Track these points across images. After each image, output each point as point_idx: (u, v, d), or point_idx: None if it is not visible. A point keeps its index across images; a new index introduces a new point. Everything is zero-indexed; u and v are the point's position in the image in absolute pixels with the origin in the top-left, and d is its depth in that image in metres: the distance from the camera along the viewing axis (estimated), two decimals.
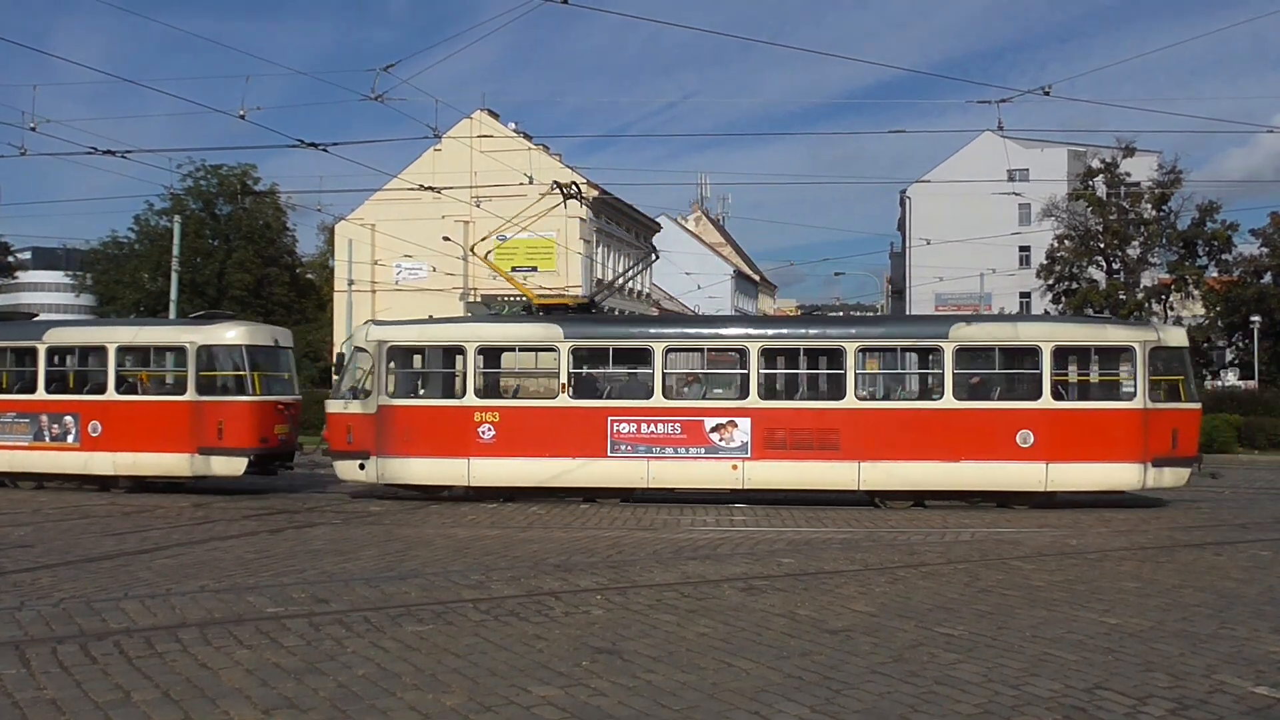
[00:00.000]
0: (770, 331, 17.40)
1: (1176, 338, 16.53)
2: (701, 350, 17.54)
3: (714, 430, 16.05)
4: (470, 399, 16.44)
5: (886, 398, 17.32)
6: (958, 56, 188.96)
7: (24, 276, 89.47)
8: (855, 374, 16.02)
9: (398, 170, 45.81)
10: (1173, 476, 15.80)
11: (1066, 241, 53.71)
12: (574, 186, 19.33)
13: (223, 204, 59.58)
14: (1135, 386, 15.71)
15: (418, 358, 17.24)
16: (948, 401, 15.80)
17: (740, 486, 16.09)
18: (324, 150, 21.80)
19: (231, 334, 17.67)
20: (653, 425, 16.12)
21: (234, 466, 17.22)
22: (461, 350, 16.60)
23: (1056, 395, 15.83)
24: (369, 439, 16.48)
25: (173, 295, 37.74)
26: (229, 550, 11.25)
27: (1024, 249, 63.65)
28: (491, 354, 17.11)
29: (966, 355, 16.15)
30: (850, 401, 15.94)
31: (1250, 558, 11.10)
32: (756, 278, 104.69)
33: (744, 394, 16.20)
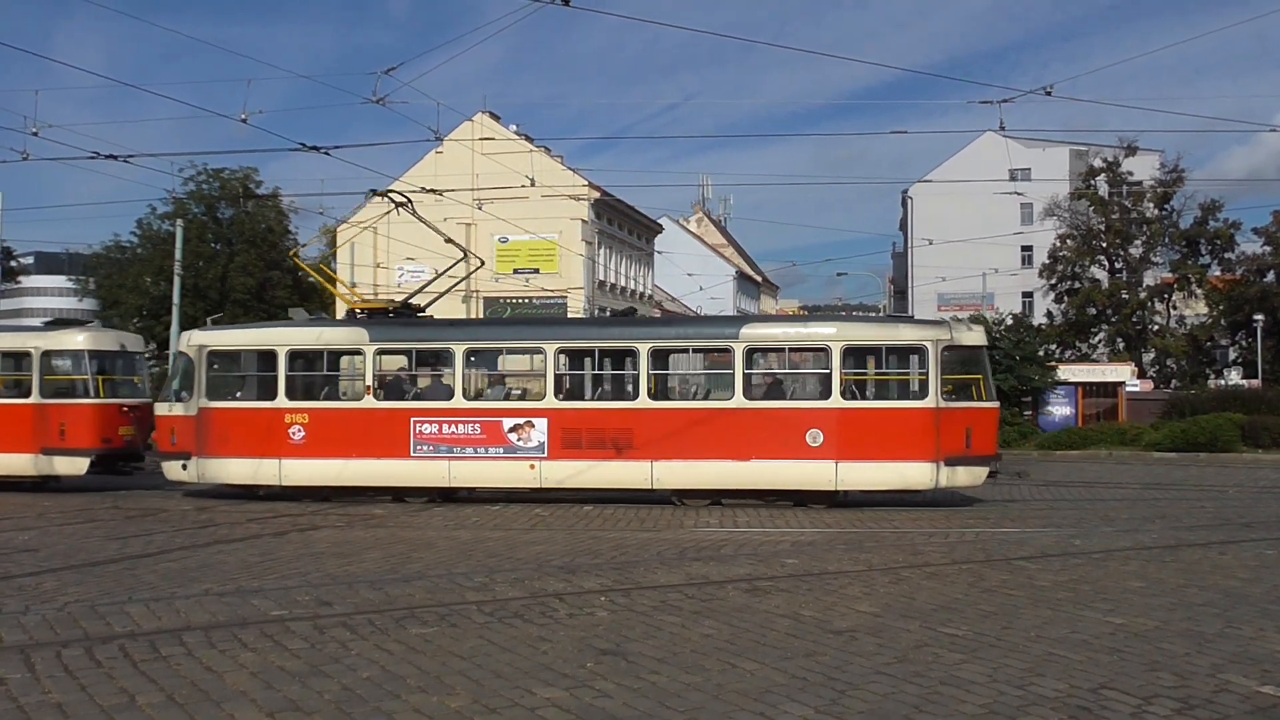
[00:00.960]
0: (566, 333, 17.88)
1: (972, 337, 16.51)
2: (500, 352, 17.89)
3: (512, 431, 16.34)
4: (281, 401, 16.83)
5: (679, 398, 17.31)
6: (959, 56, 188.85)
7: (26, 281, 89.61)
8: (647, 375, 16.18)
9: (399, 173, 45.83)
10: (967, 476, 15.78)
11: (1069, 241, 53.71)
12: (398, 195, 20.18)
13: (225, 207, 59.60)
14: (927, 385, 15.66)
15: (234, 362, 17.72)
16: (739, 401, 15.92)
17: (538, 486, 16.36)
18: (326, 153, 21.83)
19: (77, 339, 18.56)
20: (453, 426, 16.44)
21: (76, 466, 18.00)
22: (273, 354, 17.00)
23: (847, 394, 15.92)
24: (190, 440, 17.04)
25: (175, 299, 37.80)
26: (233, 554, 11.26)
27: (1026, 249, 63.59)
28: (302, 357, 17.40)
29: (757, 355, 16.37)
30: (643, 402, 16.13)
31: (1255, 556, 11.08)
32: (759, 279, 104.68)
33: (541, 395, 16.53)
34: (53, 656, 6.59)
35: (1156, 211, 52.58)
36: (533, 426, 16.26)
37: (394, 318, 18.28)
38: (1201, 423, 29.74)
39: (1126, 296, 51.38)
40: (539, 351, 16.72)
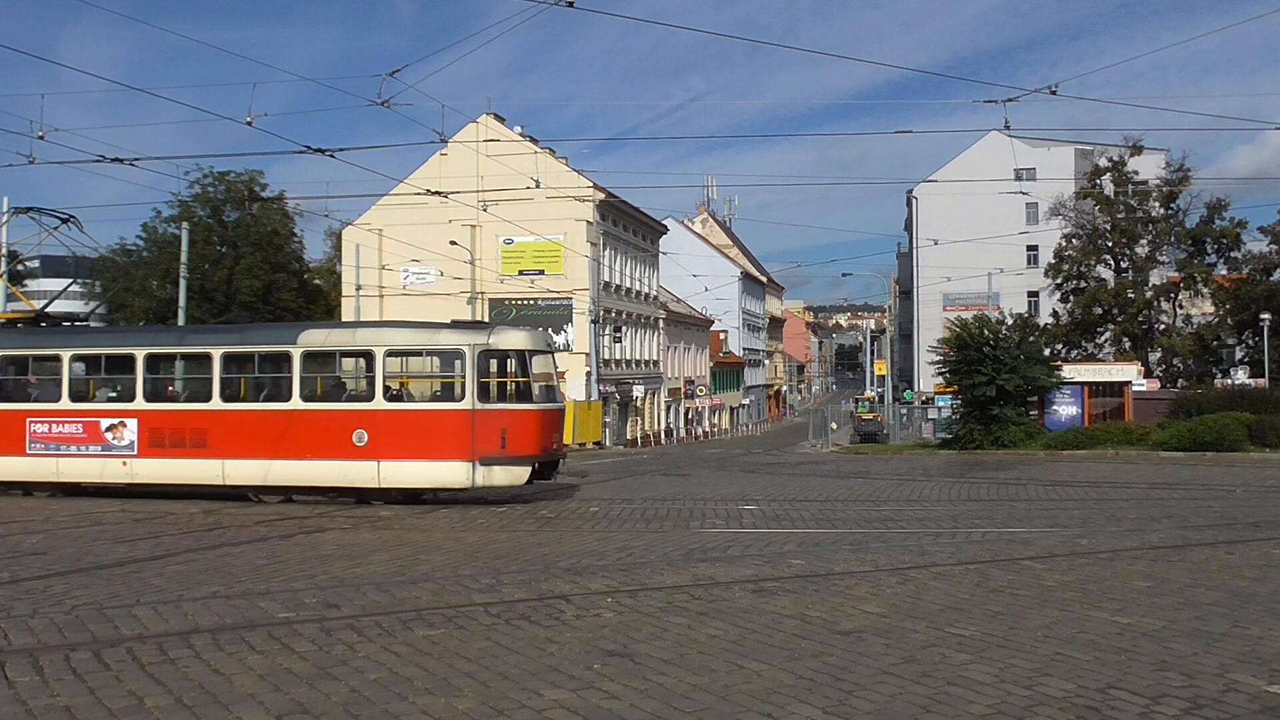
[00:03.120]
0: (155, 339, 19.06)
1: (510, 341, 17.01)
2: (100, 357, 18.83)
3: (109, 430, 17.54)
4: None
5: (248, 400, 17.81)
6: (967, 55, 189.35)
7: (33, 284, 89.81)
8: (220, 378, 17.29)
9: (404, 175, 45.98)
10: (505, 475, 16.34)
11: (1074, 240, 53.63)
12: (57, 214, 21.15)
13: (230, 210, 59.77)
14: (464, 388, 16.29)
15: None
16: (296, 403, 16.90)
17: (131, 481, 17.57)
18: (331, 156, 21.95)
19: None
20: (61, 426, 17.71)
21: None
22: None
23: (390, 397, 16.78)
24: None
25: (181, 302, 37.90)
26: (240, 556, 11.28)
27: (1031, 248, 63.55)
28: None
29: (313, 360, 17.24)
30: (216, 404, 17.27)
31: (1263, 556, 11.05)
32: (764, 279, 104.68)
33: (132, 397, 17.53)
34: (61, 660, 6.61)
35: (1162, 210, 52.48)
36: (125, 426, 17.58)
37: (17, 326, 19.66)
38: (1208, 422, 29.68)
39: (1132, 296, 51.29)
40: (131, 357, 17.72)
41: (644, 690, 5.92)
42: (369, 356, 16.78)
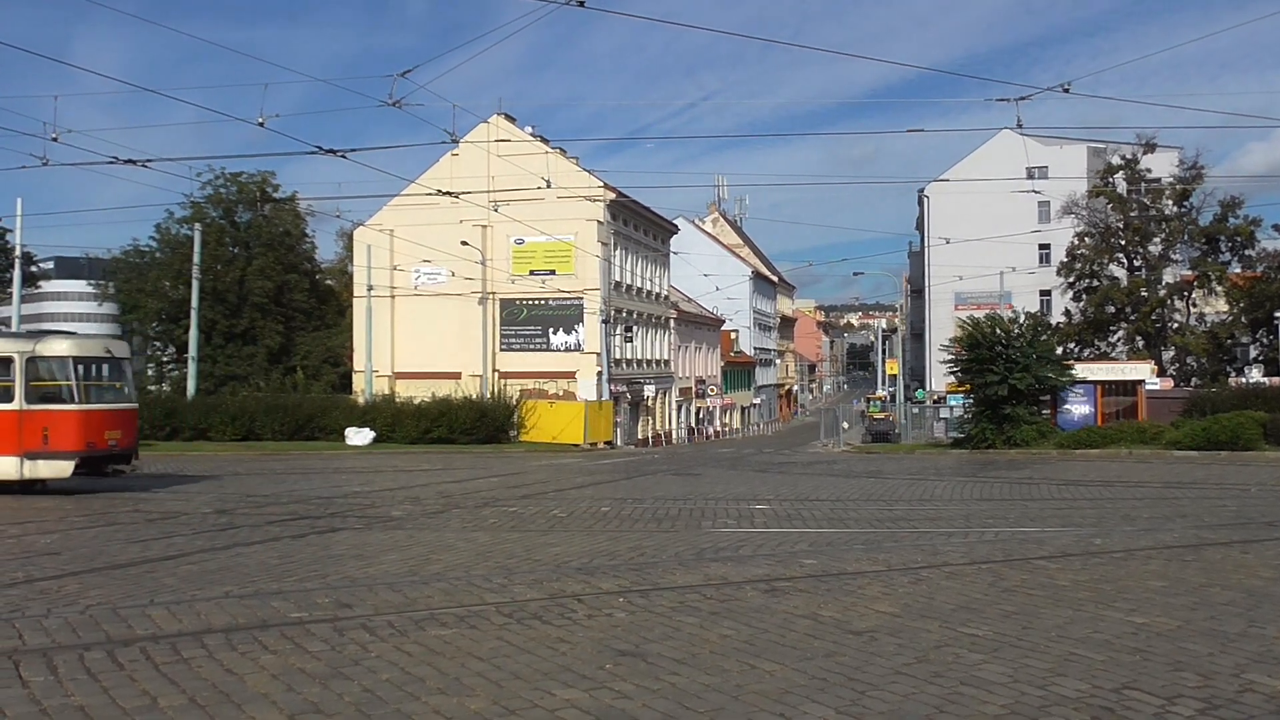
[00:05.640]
0: None
1: (56, 349, 18.83)
2: None
3: None
4: None
5: None
6: (980, 53, 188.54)
7: (47, 286, 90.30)
8: None
9: (415, 176, 46.00)
10: (49, 469, 18.48)
11: (1087, 239, 53.48)
12: None
13: (243, 211, 60.00)
14: (13, 391, 18.29)
15: None
16: None
17: None
18: (342, 156, 22.04)
19: None
20: None
21: None
22: None
23: None
24: None
25: (194, 303, 38.11)
26: (253, 556, 11.31)
27: (1044, 247, 63.35)
28: None
29: None
30: None
31: (1278, 555, 10.99)
32: (775, 279, 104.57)
33: None
34: (75, 659, 6.63)
35: (1175, 209, 52.30)
36: None
37: None
38: (1223, 421, 29.54)
39: (1146, 294, 51.11)
40: None
41: (656, 690, 5.91)
42: None
